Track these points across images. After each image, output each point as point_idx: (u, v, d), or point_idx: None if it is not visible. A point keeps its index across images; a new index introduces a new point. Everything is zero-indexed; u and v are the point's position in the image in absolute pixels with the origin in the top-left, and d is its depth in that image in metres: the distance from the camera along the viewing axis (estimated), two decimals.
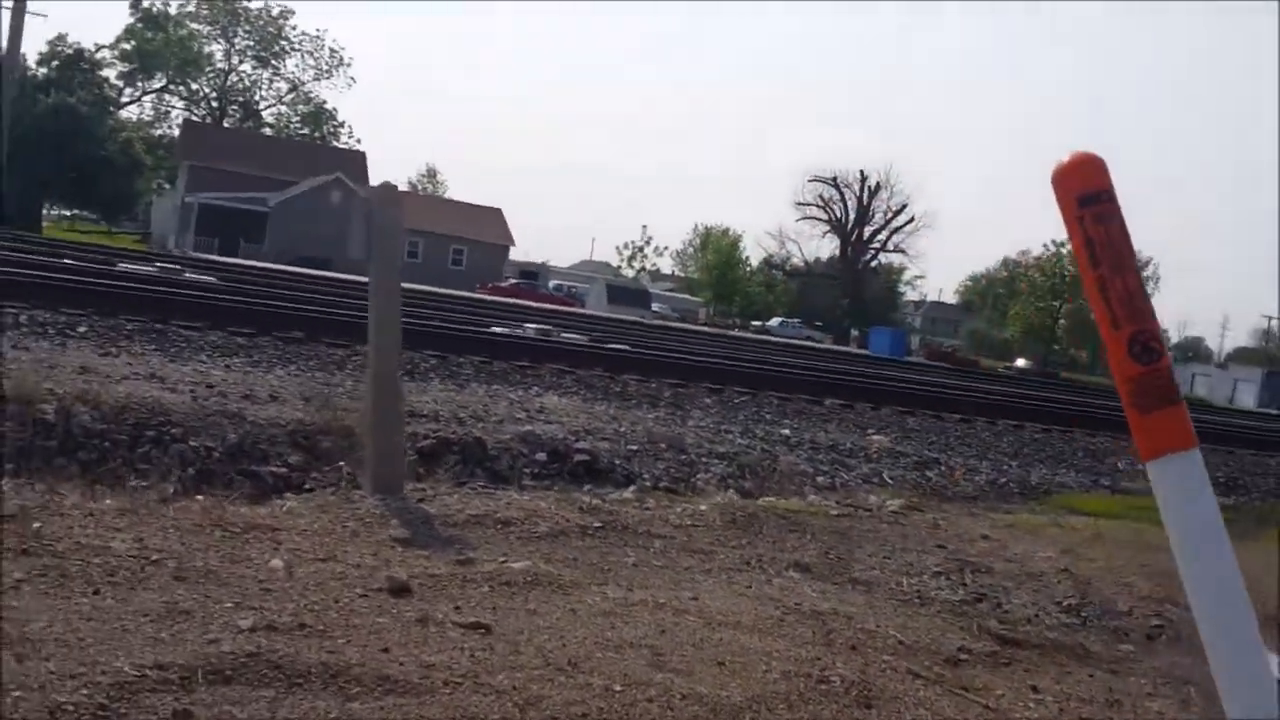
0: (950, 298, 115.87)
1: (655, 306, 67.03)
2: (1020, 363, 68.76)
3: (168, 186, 74.34)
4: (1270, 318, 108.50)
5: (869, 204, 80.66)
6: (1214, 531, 1.57)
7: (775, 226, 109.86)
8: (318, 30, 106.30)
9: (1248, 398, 70.82)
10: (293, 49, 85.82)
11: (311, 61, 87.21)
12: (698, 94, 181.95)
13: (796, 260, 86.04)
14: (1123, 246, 1.60)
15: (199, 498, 5.29)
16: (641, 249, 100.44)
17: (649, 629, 3.96)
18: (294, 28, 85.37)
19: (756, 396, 13.24)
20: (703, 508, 6.28)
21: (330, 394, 9.06)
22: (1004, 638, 4.54)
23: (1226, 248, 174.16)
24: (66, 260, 18.34)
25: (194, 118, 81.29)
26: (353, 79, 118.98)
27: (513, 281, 64.18)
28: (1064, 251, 75.40)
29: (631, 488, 6.89)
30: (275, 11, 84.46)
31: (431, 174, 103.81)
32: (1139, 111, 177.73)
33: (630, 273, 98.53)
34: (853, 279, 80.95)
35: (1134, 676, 4.33)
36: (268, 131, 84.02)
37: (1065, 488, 11.08)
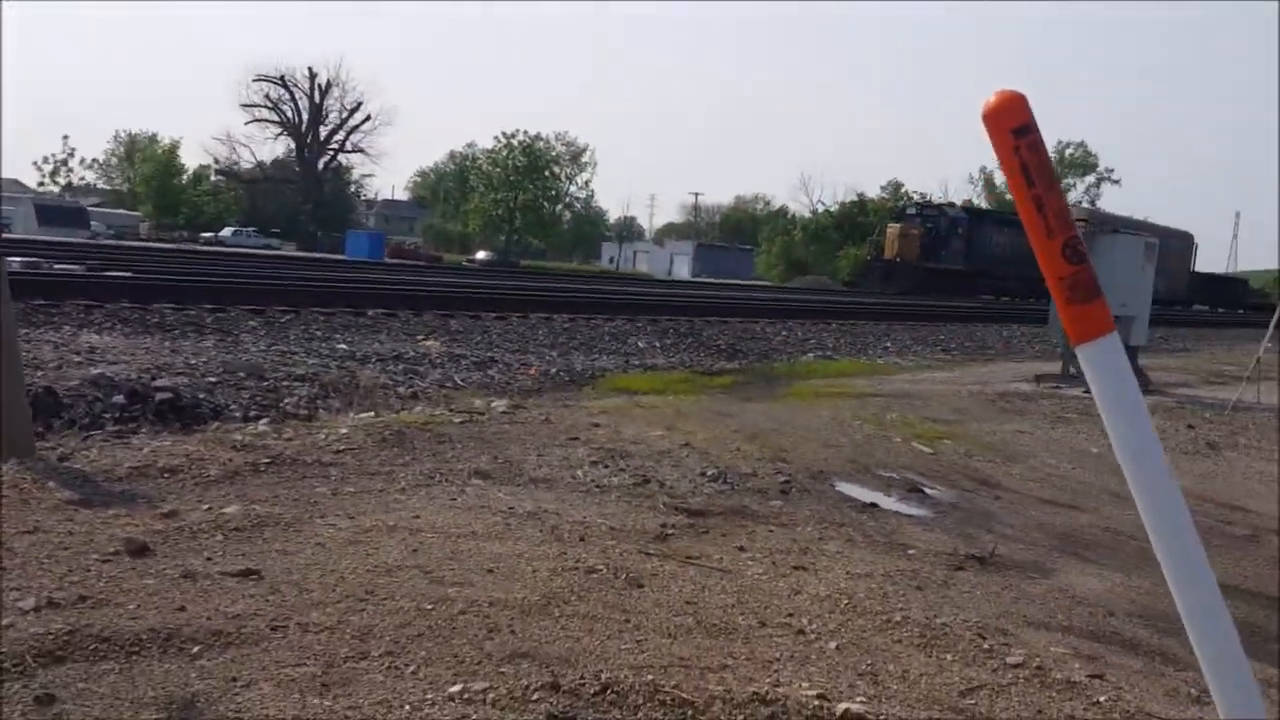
0: (402, 194, 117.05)
1: (93, 224, 61.72)
2: (481, 255, 71.23)
3: None
4: (697, 194, 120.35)
5: (322, 103, 78.73)
6: (1134, 395, 2.07)
7: (223, 130, 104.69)
8: None
9: (684, 270, 78.35)
10: None
11: None
12: None
13: (248, 164, 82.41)
14: (1049, 169, 2.03)
15: None
16: (65, 162, 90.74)
17: (401, 551, 4.05)
18: None
19: (301, 314, 12.98)
20: (344, 431, 6.30)
21: None
22: (688, 510, 5.11)
23: (650, 135, 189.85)
24: None
25: None
26: None
27: None
28: (514, 143, 78.44)
29: (265, 420, 6.73)
30: None
31: None
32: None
33: (55, 189, 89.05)
34: (313, 182, 79.04)
35: (799, 526, 5.06)
36: None
37: (607, 370, 12.03)
